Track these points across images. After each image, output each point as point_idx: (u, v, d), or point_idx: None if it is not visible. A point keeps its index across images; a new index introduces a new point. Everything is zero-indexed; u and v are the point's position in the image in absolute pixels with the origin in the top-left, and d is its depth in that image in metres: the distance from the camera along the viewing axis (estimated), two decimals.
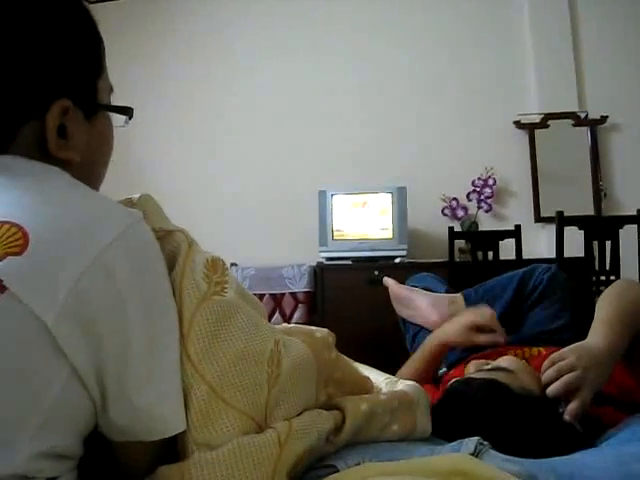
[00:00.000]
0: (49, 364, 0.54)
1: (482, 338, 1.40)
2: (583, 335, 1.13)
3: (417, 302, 1.74)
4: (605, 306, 1.17)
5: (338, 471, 0.65)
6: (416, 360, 1.47)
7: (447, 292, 1.86)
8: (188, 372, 0.64)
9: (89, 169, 0.71)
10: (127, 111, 0.77)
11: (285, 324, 0.93)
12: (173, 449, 0.65)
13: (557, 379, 0.97)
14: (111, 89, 0.76)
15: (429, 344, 1.47)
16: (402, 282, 1.94)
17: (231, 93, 4.25)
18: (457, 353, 1.50)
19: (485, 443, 0.71)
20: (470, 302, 1.65)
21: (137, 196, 0.77)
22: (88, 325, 0.54)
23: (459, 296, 1.70)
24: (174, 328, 0.64)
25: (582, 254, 2.87)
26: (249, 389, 0.66)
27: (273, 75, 4.24)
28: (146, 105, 3.97)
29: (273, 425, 0.66)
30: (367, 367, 1.05)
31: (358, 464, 0.65)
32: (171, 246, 0.70)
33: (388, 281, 1.89)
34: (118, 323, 0.56)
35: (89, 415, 0.59)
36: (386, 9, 4.14)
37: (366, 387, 0.89)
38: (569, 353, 1.01)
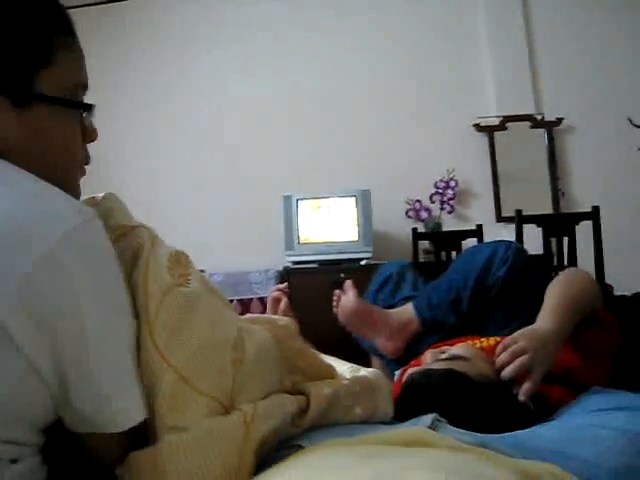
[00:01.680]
0: (3, 357, 0.54)
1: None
2: None
3: (378, 329, 1.65)
4: (553, 293, 1.24)
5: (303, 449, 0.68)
6: None
7: (415, 283, 1.86)
8: (156, 360, 0.66)
9: (29, 164, 0.66)
10: (75, 105, 0.73)
11: (249, 314, 0.96)
12: (143, 434, 0.67)
13: (510, 362, 1.03)
14: (81, 86, 0.74)
15: None
16: (368, 283, 1.94)
17: (196, 98, 4.26)
18: (421, 345, 1.54)
19: (442, 419, 0.75)
20: (426, 317, 1.59)
21: (101, 195, 0.79)
22: (42, 319, 0.55)
23: (412, 314, 1.62)
24: (128, 325, 0.66)
25: (542, 251, 2.94)
26: (215, 374, 0.69)
27: (236, 80, 4.26)
28: (113, 110, 3.95)
29: (239, 407, 0.69)
30: (331, 357, 1.09)
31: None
32: (135, 241, 0.73)
33: (348, 292, 1.70)
34: (72, 317, 0.57)
35: (46, 407, 0.60)
36: (345, 13, 4.21)
37: (330, 375, 0.92)
38: (520, 337, 1.07)
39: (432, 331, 1.61)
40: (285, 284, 1.71)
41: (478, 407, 0.94)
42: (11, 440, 0.57)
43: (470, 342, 1.27)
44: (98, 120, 0.81)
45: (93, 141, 0.78)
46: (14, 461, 0.57)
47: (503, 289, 1.49)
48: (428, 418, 0.73)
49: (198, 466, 0.63)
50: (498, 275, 1.49)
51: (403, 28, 4.18)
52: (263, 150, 4.16)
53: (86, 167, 0.79)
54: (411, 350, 1.61)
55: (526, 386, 0.99)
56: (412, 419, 0.77)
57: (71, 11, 0.74)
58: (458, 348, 1.13)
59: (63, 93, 0.71)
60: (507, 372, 1.02)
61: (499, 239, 1.64)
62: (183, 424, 0.65)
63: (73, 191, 0.73)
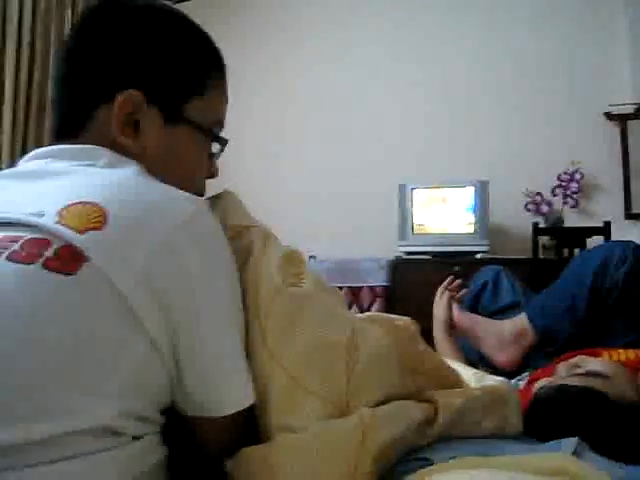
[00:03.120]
0: (128, 332, 0.57)
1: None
2: None
3: (483, 340, 1.62)
4: None
5: (432, 464, 0.64)
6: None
7: (513, 288, 1.80)
8: (267, 361, 0.67)
9: (160, 175, 0.71)
10: (214, 137, 0.81)
11: (368, 313, 0.94)
12: (254, 433, 0.68)
13: None
14: (219, 123, 0.82)
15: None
16: None
17: (312, 85, 4.28)
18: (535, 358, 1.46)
19: (584, 444, 0.68)
20: (540, 326, 1.51)
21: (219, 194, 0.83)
22: (160, 296, 0.58)
23: (527, 324, 1.54)
24: (240, 311, 0.68)
25: None
26: (327, 376, 0.67)
27: (354, 68, 4.23)
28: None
29: (356, 411, 0.66)
30: (452, 361, 1.04)
31: (453, 458, 0.63)
32: (247, 240, 0.75)
33: (454, 309, 1.75)
34: (186, 301, 0.60)
35: (165, 386, 0.62)
36: None
37: (456, 380, 0.87)
38: None
39: (547, 342, 1.52)
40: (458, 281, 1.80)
41: (617, 432, 0.85)
42: (136, 414, 0.59)
43: (607, 354, 1.17)
44: None
45: (212, 177, 0.85)
46: (136, 438, 0.58)
47: (623, 292, 1.37)
48: (571, 443, 0.67)
49: (309, 469, 0.62)
50: (616, 277, 1.38)
51: (530, 7, 3.93)
52: (380, 137, 4.11)
53: None
54: (526, 362, 1.53)
55: None
56: (551, 442, 0.71)
57: (184, 4, 0.82)
58: (597, 363, 1.03)
59: (206, 124, 0.79)
60: None
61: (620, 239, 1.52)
62: (295, 425, 0.65)
63: None
